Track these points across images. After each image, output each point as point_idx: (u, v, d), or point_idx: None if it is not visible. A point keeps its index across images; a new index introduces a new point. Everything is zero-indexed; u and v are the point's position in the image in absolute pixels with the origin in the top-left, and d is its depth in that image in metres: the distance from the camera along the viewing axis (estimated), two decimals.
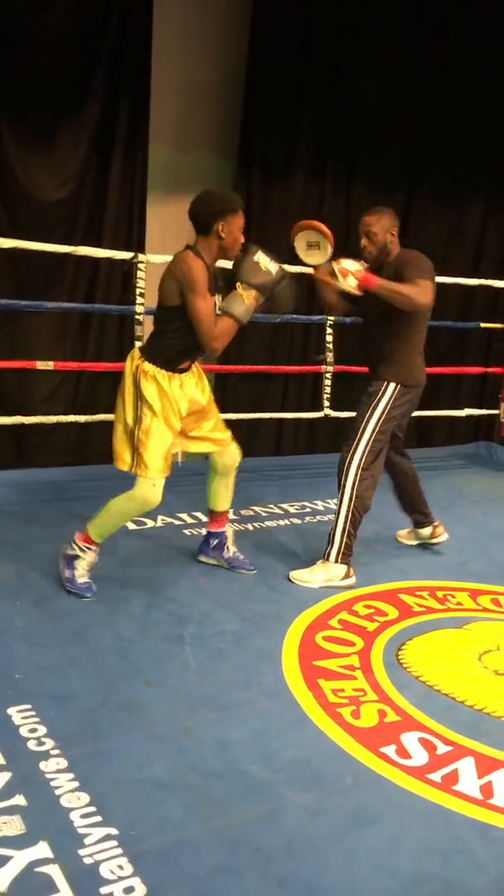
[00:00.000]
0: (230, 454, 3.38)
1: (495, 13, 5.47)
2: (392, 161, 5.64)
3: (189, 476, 4.82)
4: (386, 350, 3.42)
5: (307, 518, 4.29)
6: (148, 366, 3.00)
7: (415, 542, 3.97)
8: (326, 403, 5.24)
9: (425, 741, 2.42)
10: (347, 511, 3.40)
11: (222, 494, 3.45)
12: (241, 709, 2.51)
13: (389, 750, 2.37)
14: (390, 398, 3.40)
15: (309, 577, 3.43)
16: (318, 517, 4.32)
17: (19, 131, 4.49)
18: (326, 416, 5.28)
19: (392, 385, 3.41)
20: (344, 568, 3.43)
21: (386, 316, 3.35)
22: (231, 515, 4.16)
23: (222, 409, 5.18)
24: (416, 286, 3.24)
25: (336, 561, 3.42)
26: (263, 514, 4.27)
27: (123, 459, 3.06)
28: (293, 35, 5.10)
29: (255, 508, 4.31)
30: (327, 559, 3.43)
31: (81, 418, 4.50)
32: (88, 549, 3.13)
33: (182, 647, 2.84)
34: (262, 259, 3.00)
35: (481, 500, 4.83)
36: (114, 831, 1.94)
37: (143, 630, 2.94)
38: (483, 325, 5.91)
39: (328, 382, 5.25)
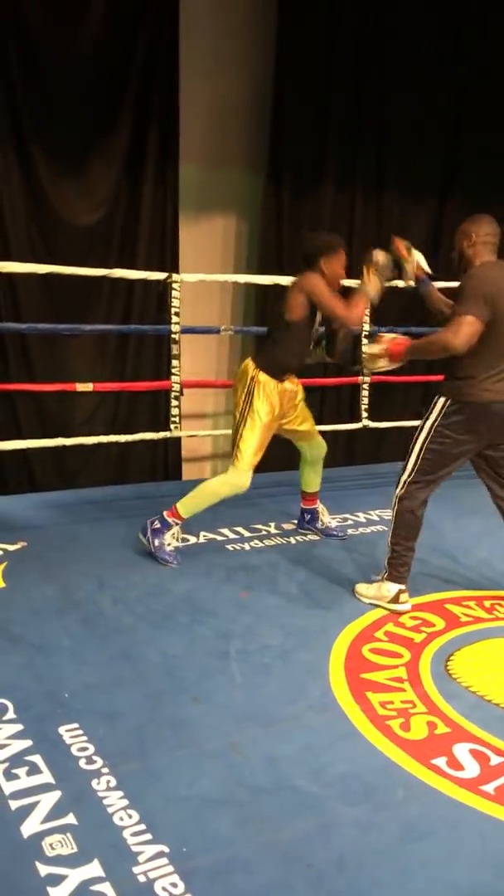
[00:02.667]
0: (318, 446, 3.99)
1: None
2: (422, 167, 5.63)
3: None
4: (447, 362, 3.19)
5: (349, 530, 4.27)
6: (262, 376, 3.55)
7: None
8: (364, 414, 5.22)
9: (477, 752, 2.38)
10: (392, 528, 3.29)
11: (313, 479, 4.07)
12: (288, 723, 2.50)
13: (441, 762, 2.33)
14: (438, 414, 3.16)
15: (364, 591, 3.40)
16: (360, 529, 4.30)
17: (51, 157, 4.57)
18: (365, 426, 5.25)
19: (441, 400, 3.17)
20: (394, 589, 3.28)
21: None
22: (273, 530, 4.18)
23: None
24: (448, 329, 3.03)
25: (383, 579, 3.33)
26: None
27: (231, 451, 3.63)
28: (318, 47, 5.12)
29: (297, 521, 4.30)
30: (380, 576, 3.37)
31: (122, 438, 4.55)
32: (176, 522, 3.65)
33: (227, 663, 2.84)
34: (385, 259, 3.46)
35: None
36: (165, 848, 1.94)
37: (189, 646, 2.95)
38: None
39: (366, 393, 5.23)
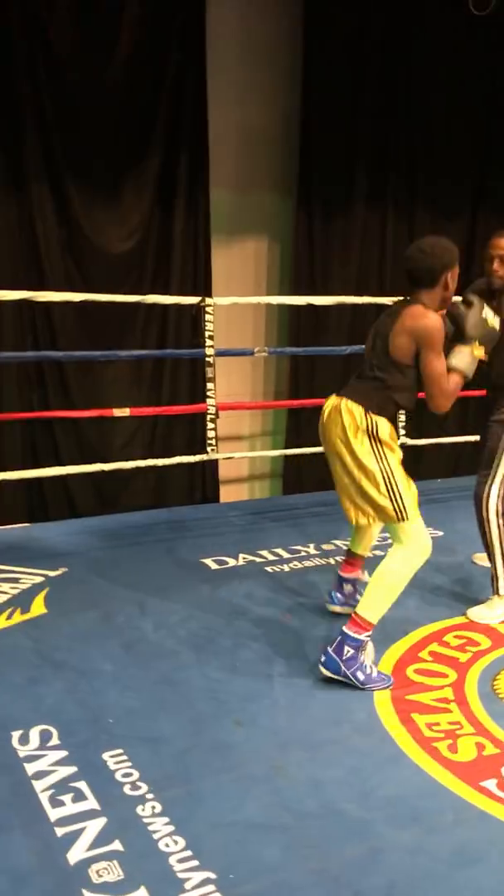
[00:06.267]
0: None
1: None
2: (453, 182, 5.61)
3: (267, 512, 4.83)
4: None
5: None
6: (381, 419, 2.80)
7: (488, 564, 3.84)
8: (402, 432, 5.19)
9: None
10: (499, 541, 3.32)
11: (370, 539, 3.40)
12: (333, 746, 2.47)
13: (490, 784, 2.28)
14: None
15: (487, 613, 3.35)
16: None
17: (85, 187, 4.65)
18: (403, 444, 5.21)
19: None
20: None
21: None
22: (312, 551, 4.15)
23: (297, 445, 5.20)
24: None
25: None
26: (344, 548, 4.21)
27: (386, 514, 2.81)
28: (346, 67, 5.14)
29: (336, 542, 4.27)
30: (498, 593, 3.36)
31: (159, 462, 4.57)
32: (368, 636, 2.80)
33: (271, 686, 2.82)
34: (488, 313, 2.97)
35: None
36: (212, 875, 1.92)
37: (232, 670, 2.93)
38: None
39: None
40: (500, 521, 3.33)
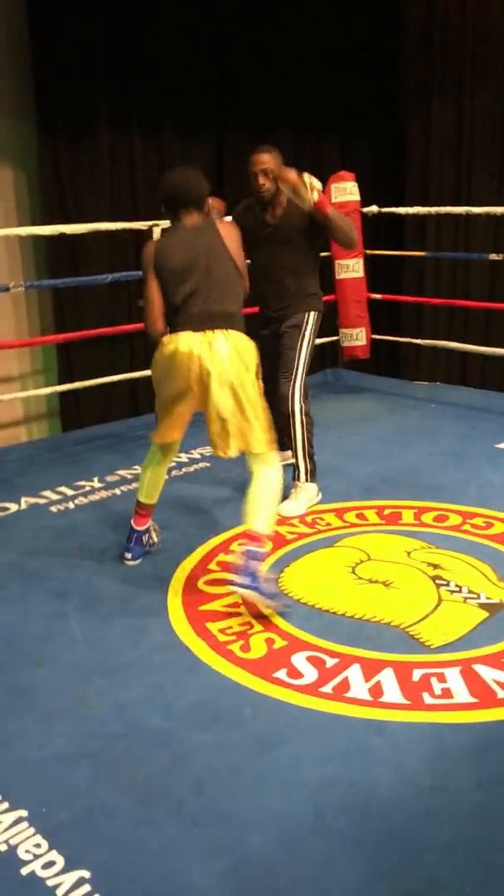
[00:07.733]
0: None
1: None
2: (196, 100, 5.56)
3: (46, 453, 4.73)
4: (300, 284, 3.69)
5: (174, 472, 4.28)
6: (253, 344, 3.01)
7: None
8: None
9: (314, 658, 2.52)
10: (303, 435, 3.64)
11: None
12: (133, 668, 2.54)
13: (281, 674, 2.46)
14: (314, 325, 3.72)
15: (293, 506, 3.62)
16: (184, 469, 4.32)
17: None
18: None
19: (313, 314, 3.72)
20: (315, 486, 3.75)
21: (299, 249, 3.64)
22: (97, 484, 4.13)
23: (71, 380, 5.11)
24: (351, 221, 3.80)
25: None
26: (129, 477, 4.23)
27: (259, 441, 2.91)
28: None
29: (120, 472, 4.27)
30: (300, 479, 3.69)
31: None
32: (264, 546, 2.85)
33: (66, 622, 2.82)
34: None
35: (335, 425, 4.94)
36: (24, 813, 1.94)
37: (24, 613, 2.90)
38: None
39: None
40: (304, 418, 3.62)
